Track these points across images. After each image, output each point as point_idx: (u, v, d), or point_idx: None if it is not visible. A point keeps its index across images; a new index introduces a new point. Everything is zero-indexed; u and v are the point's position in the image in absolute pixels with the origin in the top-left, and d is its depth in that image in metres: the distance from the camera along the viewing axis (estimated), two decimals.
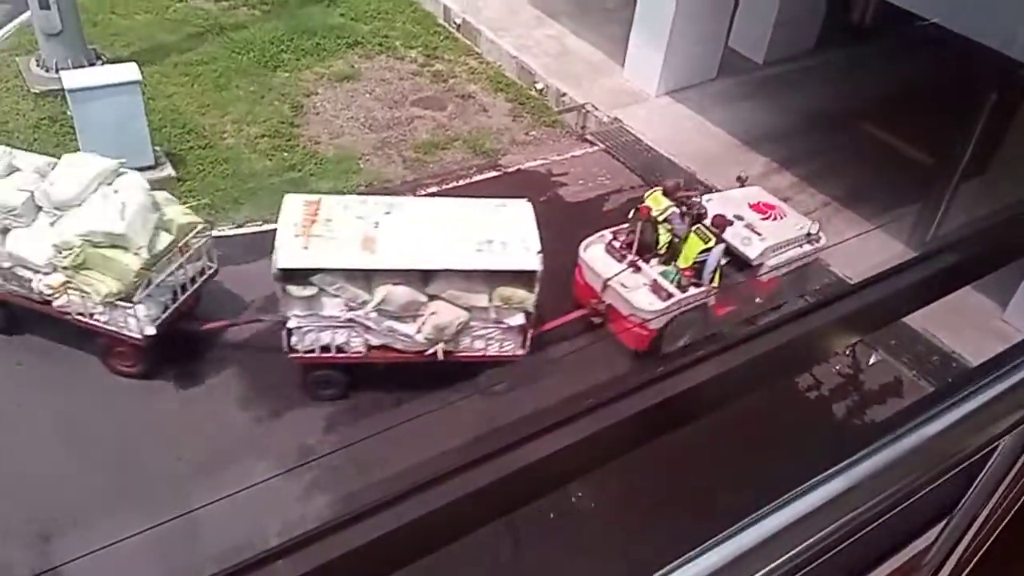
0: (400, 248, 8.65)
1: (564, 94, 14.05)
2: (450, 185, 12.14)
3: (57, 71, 12.28)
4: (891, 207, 11.89)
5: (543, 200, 11.47)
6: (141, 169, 11.16)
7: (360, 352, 8.89)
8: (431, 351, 8.84)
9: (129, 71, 11.23)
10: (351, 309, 8.65)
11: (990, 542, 1.35)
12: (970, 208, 10.69)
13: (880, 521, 0.92)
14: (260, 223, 10.98)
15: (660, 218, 9.60)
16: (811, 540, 0.86)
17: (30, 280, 8.88)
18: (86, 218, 8.58)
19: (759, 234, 9.94)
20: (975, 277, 1.61)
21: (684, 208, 9.61)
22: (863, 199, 11.91)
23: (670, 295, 9.35)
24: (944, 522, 1.23)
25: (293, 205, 8.94)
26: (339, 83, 14.01)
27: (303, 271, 8.43)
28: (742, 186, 10.49)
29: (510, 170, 12.69)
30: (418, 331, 8.77)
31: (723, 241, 9.43)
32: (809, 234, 10.14)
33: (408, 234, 8.79)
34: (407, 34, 15.44)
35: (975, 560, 1.38)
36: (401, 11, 16.08)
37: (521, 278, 8.75)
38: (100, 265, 8.51)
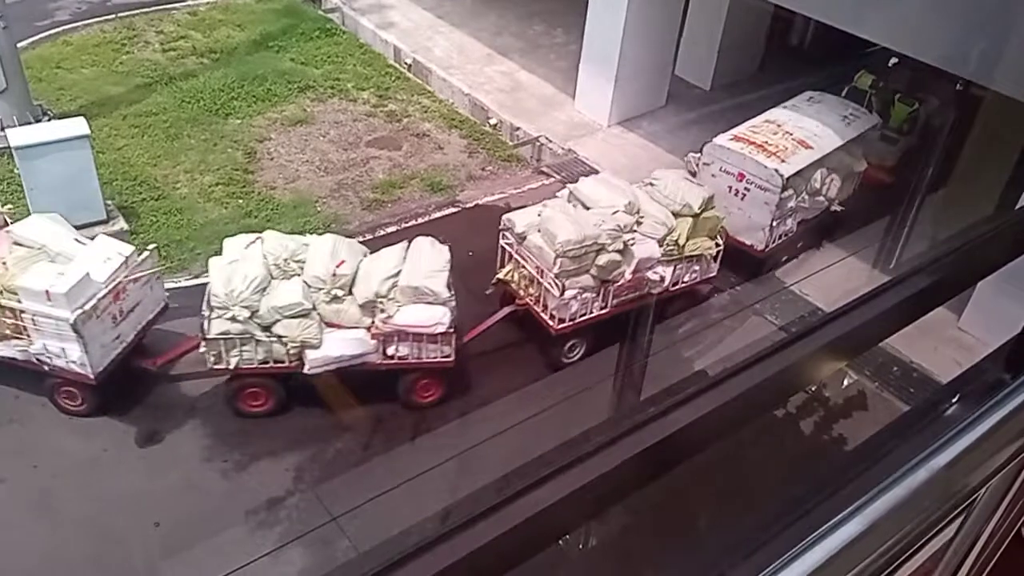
0: (818, 139, 11.30)
1: (518, 128, 14.18)
2: (410, 224, 12.12)
3: (2, 129, 12.07)
4: (847, 224, 12.17)
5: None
6: (92, 224, 11.02)
7: (793, 229, 11.48)
8: (835, 209, 11.76)
9: (77, 126, 11.07)
10: (797, 196, 11.12)
11: (1011, 537, 1.36)
12: (929, 225, 11.25)
13: (905, 557, 0.92)
14: None
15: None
16: None
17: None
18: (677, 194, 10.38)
19: None
20: (947, 298, 1.64)
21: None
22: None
23: (897, 140, 12.96)
24: (963, 517, 1.23)
25: (725, 140, 11.18)
26: (292, 127, 13.97)
27: (791, 177, 10.81)
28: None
29: (469, 206, 12.72)
30: (825, 197, 11.58)
31: (925, 101, 13.01)
32: None
33: (807, 131, 11.39)
34: (358, 76, 15.49)
35: (998, 555, 1.38)
36: (351, 54, 16.14)
37: (873, 134, 12.18)
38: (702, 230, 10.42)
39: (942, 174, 11.82)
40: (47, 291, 8.36)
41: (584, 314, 9.79)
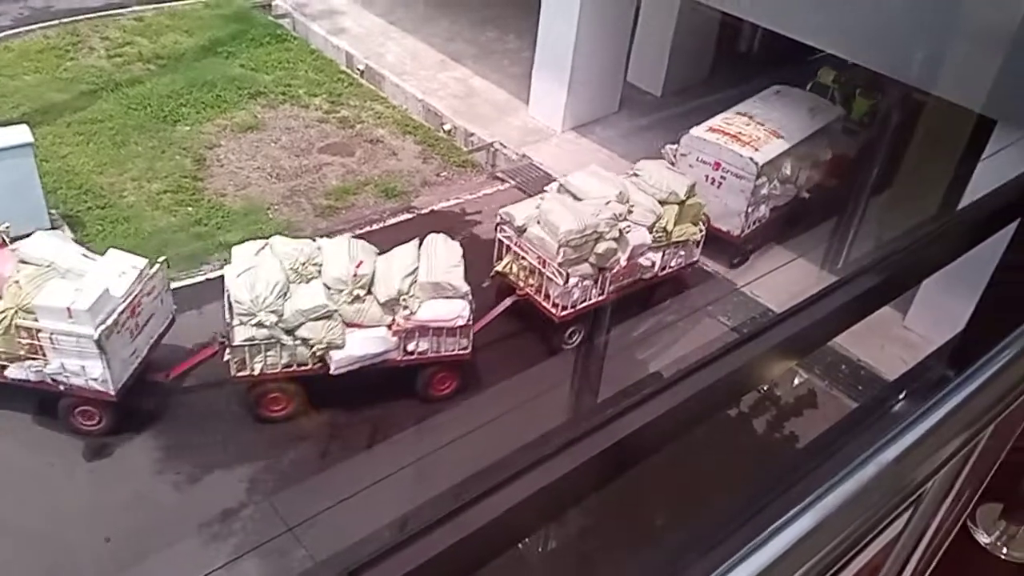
0: (788, 129, 11.87)
1: (472, 134, 14.18)
2: (364, 230, 12.03)
3: None
4: (798, 227, 12.45)
5: (460, 239, 11.47)
6: None
7: (766, 215, 12.02)
8: (803, 196, 12.48)
9: (19, 133, 10.78)
10: (770, 183, 11.70)
11: (957, 529, 1.39)
12: (875, 227, 11.72)
13: (856, 550, 0.94)
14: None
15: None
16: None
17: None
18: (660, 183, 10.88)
19: None
20: (893, 297, 1.68)
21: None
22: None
23: (858, 132, 13.37)
24: (911, 510, 1.26)
25: (701, 132, 11.72)
26: (243, 134, 13.78)
27: (764, 165, 11.33)
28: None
29: (424, 211, 12.68)
30: (795, 185, 12.29)
31: (884, 96, 13.41)
32: None
33: (777, 121, 11.94)
34: (310, 82, 15.35)
35: (945, 546, 1.42)
36: (302, 59, 15.99)
37: (837, 125, 12.78)
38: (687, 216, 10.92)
39: (898, 164, 12.30)
40: (68, 308, 8.15)
41: (584, 301, 10.13)
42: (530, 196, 13.04)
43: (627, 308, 10.62)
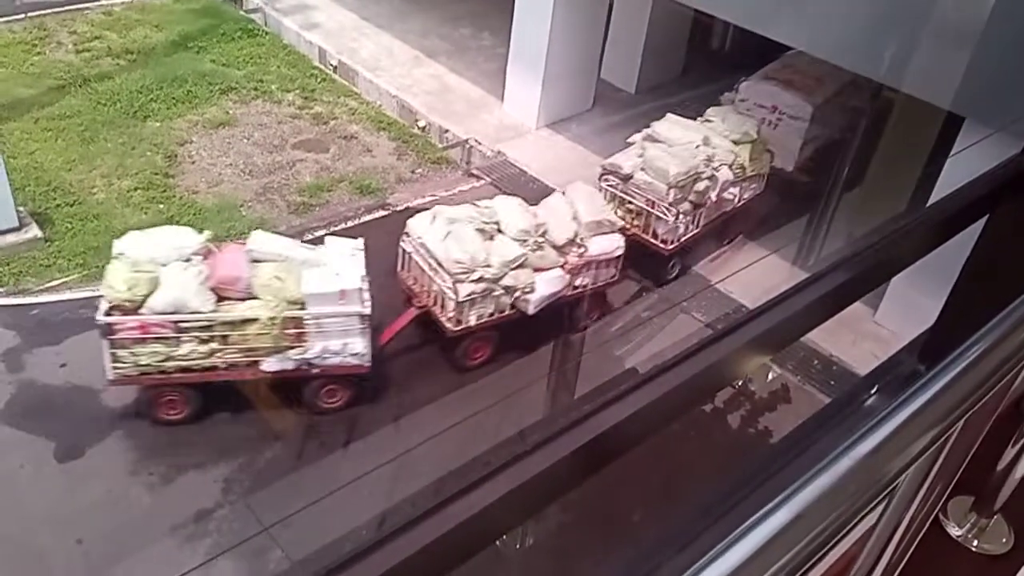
0: (829, 77, 13.07)
1: (447, 131, 14.15)
2: (340, 227, 11.96)
3: None
4: (774, 224, 12.59)
5: None
6: (3, 232, 10.57)
7: (810, 153, 13.34)
8: (837, 136, 13.46)
9: None
10: (817, 125, 13.10)
11: (930, 522, 1.42)
12: (848, 224, 12.23)
13: (831, 543, 0.96)
14: None
15: None
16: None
17: None
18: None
19: None
20: (864, 292, 1.70)
21: None
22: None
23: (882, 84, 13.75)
24: (884, 503, 1.28)
25: (757, 80, 13.13)
26: (214, 130, 13.64)
27: (815, 108, 12.77)
28: None
29: (399, 208, 12.62)
30: (831, 127, 13.48)
31: None
32: None
33: (819, 71, 13.01)
34: (282, 77, 15.22)
35: (919, 539, 1.44)
36: (275, 55, 15.86)
37: (862, 79, 13.08)
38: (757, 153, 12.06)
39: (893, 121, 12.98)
40: (342, 290, 8.61)
41: (685, 235, 11.33)
42: (506, 193, 13.09)
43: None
